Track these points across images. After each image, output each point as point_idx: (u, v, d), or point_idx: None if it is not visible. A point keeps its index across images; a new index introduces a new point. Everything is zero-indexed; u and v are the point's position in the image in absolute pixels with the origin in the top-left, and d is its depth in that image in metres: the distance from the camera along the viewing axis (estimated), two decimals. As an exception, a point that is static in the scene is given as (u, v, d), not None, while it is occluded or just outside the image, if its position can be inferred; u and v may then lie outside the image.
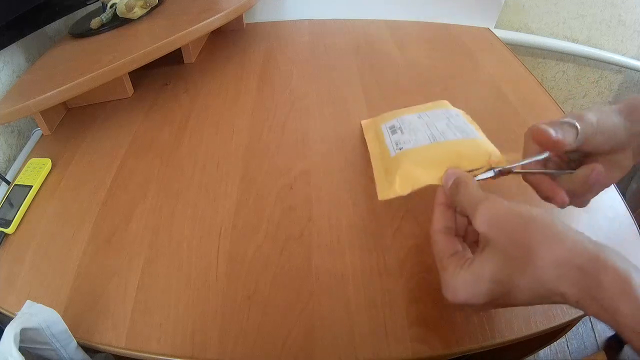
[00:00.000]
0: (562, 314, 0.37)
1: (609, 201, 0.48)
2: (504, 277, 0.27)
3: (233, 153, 0.54)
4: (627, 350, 1.04)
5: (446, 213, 0.34)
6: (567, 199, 0.34)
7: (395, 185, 0.40)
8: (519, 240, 0.27)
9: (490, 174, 0.36)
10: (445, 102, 0.52)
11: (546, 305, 0.37)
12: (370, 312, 0.37)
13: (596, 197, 0.48)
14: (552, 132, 0.31)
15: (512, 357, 0.53)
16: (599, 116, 0.33)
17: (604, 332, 1.09)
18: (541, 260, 0.26)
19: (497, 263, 0.27)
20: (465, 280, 0.29)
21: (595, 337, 1.08)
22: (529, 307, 0.37)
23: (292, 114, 0.60)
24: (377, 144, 0.50)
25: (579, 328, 1.10)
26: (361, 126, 0.56)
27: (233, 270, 0.41)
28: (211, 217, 0.46)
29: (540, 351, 0.56)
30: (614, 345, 1.06)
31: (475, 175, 0.36)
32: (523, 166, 0.35)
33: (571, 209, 0.46)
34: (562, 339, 1.07)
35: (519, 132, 0.54)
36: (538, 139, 0.33)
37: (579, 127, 0.32)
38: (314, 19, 0.88)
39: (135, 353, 0.36)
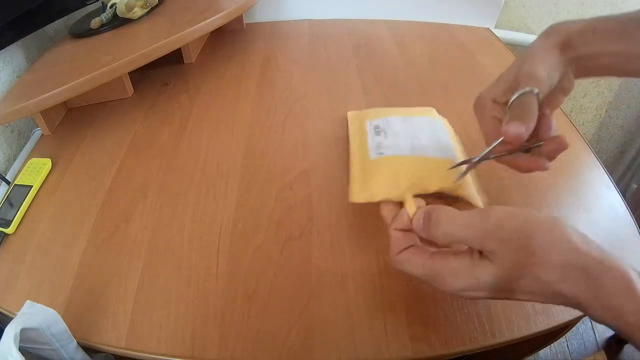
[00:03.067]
0: (562, 313, 0.37)
1: (609, 201, 0.48)
2: (504, 283, 0.27)
3: (233, 153, 0.54)
4: (627, 350, 1.04)
5: (407, 236, 0.33)
6: (548, 164, 0.35)
7: (369, 191, 0.40)
8: (521, 246, 0.26)
9: (464, 167, 0.37)
10: (433, 109, 0.53)
11: (546, 305, 0.37)
12: (370, 312, 0.37)
13: (596, 197, 0.48)
14: (522, 131, 0.31)
15: (512, 357, 0.53)
16: (546, 64, 0.34)
17: (604, 332, 1.09)
18: (545, 262, 0.25)
19: (498, 271, 0.27)
20: (461, 274, 0.28)
21: (595, 337, 1.08)
22: (529, 307, 0.37)
23: (292, 113, 0.60)
24: (358, 140, 0.50)
25: (579, 328, 1.10)
26: (347, 116, 0.57)
27: (233, 270, 0.41)
28: (211, 217, 0.46)
29: (540, 351, 0.56)
30: (614, 345, 1.06)
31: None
32: (493, 149, 0.36)
33: (570, 210, 0.46)
34: (562, 339, 1.07)
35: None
36: (514, 143, 0.33)
37: (538, 94, 0.32)
38: (314, 19, 0.88)
39: (135, 353, 0.36)
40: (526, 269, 0.26)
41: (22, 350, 0.30)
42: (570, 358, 1.04)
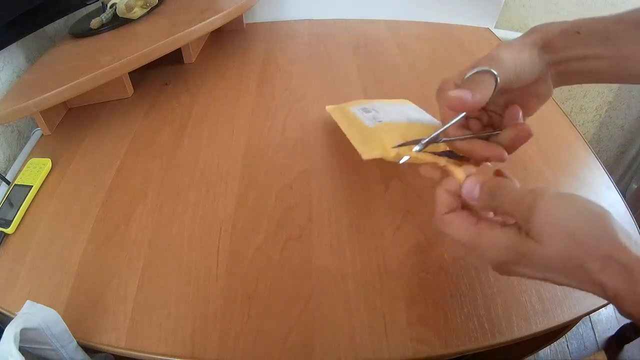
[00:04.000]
0: (562, 314, 0.37)
1: (609, 201, 0.48)
2: (544, 265, 0.27)
3: (233, 153, 0.54)
4: (627, 350, 1.04)
5: (454, 200, 0.32)
6: (505, 154, 0.33)
7: (381, 147, 0.38)
8: (569, 234, 0.26)
9: (417, 148, 0.34)
10: (409, 101, 0.54)
11: (546, 306, 0.37)
12: (370, 312, 0.37)
13: (596, 197, 0.48)
14: (468, 97, 0.30)
15: (512, 357, 0.53)
16: (514, 53, 0.32)
17: (604, 332, 1.09)
18: (590, 253, 0.26)
19: (542, 253, 0.27)
20: (504, 247, 0.28)
21: (595, 337, 1.08)
22: (529, 307, 0.37)
23: (292, 113, 0.60)
24: (349, 120, 0.49)
25: (579, 328, 1.10)
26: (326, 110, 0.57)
27: (233, 270, 0.41)
28: (211, 217, 0.46)
29: (540, 351, 0.56)
30: (614, 345, 1.06)
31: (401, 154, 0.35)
32: (446, 133, 0.34)
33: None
34: (562, 339, 1.07)
35: (519, 132, 0.54)
36: (454, 108, 0.32)
37: (497, 75, 0.31)
38: (314, 19, 0.88)
39: (135, 353, 0.36)
40: (570, 256, 0.26)
41: (22, 350, 0.30)
42: (570, 358, 1.04)
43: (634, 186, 1.15)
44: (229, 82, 0.68)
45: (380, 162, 0.41)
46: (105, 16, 0.66)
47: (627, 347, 1.04)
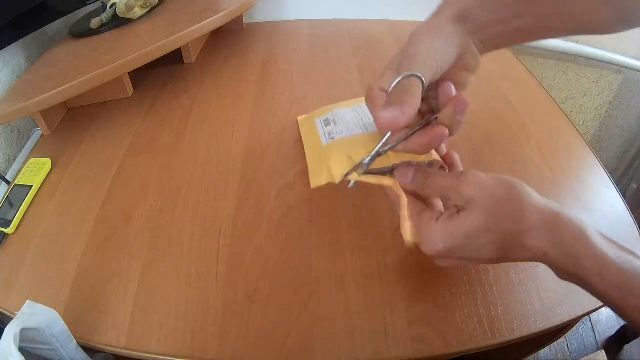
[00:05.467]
0: (562, 313, 0.37)
1: (609, 201, 0.48)
2: (488, 227, 0.30)
3: (233, 153, 0.54)
4: (627, 350, 1.04)
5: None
6: (445, 130, 0.32)
7: (327, 172, 0.39)
8: (503, 202, 0.30)
9: (362, 168, 0.36)
10: None
11: (546, 305, 0.37)
12: (370, 312, 0.37)
13: (596, 197, 0.48)
14: (399, 115, 0.30)
15: (512, 357, 0.53)
16: (427, 44, 0.32)
17: (604, 332, 1.09)
18: (524, 220, 0.29)
19: (481, 218, 0.30)
20: (445, 231, 0.31)
21: (595, 337, 1.08)
22: (529, 307, 0.37)
23: (292, 113, 0.60)
24: (310, 136, 0.49)
25: (579, 328, 1.10)
26: (297, 121, 0.57)
27: (233, 270, 0.41)
28: (211, 217, 0.46)
29: (540, 351, 0.56)
30: (614, 345, 1.06)
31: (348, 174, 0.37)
32: (387, 141, 0.34)
33: (570, 210, 0.46)
34: (562, 339, 1.07)
35: (519, 132, 0.54)
36: (390, 130, 0.32)
37: (422, 77, 0.30)
38: (314, 19, 0.88)
39: (135, 353, 0.36)
40: (505, 221, 0.29)
41: (22, 350, 0.30)
42: (570, 358, 1.04)
43: (634, 186, 1.16)
44: (229, 82, 0.68)
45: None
46: (105, 16, 0.66)
47: (627, 347, 1.04)
